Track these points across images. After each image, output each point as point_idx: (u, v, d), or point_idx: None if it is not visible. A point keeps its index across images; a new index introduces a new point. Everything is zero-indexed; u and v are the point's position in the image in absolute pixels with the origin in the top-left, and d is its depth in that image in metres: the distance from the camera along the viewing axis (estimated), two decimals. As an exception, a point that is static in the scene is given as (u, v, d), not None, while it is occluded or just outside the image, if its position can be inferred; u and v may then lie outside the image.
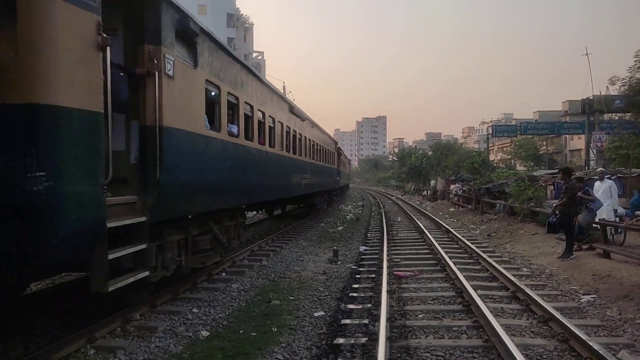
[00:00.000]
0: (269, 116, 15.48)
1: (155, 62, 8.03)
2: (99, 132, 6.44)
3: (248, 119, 13.11)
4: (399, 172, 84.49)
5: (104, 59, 6.61)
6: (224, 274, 12.91)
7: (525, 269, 13.64)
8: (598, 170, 18.48)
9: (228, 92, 11.43)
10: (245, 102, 12.71)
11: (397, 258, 15.24)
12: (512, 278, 11.55)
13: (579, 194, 15.60)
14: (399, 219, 28.74)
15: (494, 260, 14.15)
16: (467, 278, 11.84)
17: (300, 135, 21.25)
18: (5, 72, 5.62)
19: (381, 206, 38.91)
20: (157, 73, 8.02)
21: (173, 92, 8.56)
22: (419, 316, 9.37)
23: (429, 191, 53.69)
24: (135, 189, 8.06)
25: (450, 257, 14.53)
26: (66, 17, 6.01)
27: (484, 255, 14.67)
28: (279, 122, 16.90)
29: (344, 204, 43.66)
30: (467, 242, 17.40)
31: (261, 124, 14.72)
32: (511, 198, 26.21)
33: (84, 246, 6.48)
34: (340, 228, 24.45)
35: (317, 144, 26.33)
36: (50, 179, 5.75)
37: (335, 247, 16.91)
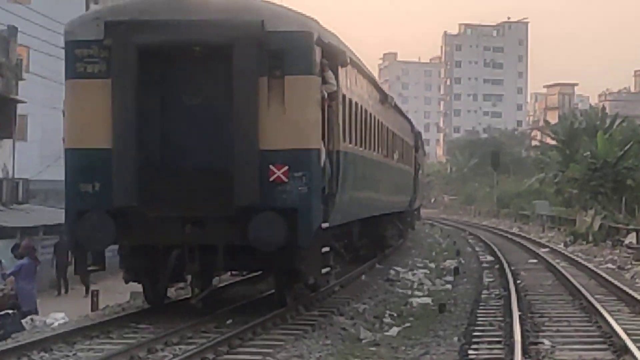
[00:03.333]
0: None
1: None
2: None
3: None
4: (560, 179, 44.45)
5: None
6: None
7: None
8: None
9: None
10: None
11: None
12: None
13: None
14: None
15: None
16: None
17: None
18: None
19: (514, 286, 17.47)
20: None
21: None
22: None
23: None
24: None
25: None
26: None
27: None
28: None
29: (403, 255, 26.05)
30: None
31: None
32: None
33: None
34: (392, 331, 11.94)
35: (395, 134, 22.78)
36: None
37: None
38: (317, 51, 10.99)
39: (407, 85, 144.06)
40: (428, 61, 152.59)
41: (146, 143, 10.66)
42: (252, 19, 10.77)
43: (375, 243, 21.87)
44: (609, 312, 12.71)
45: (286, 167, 10.50)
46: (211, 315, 11.20)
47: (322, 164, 11.14)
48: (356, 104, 14.39)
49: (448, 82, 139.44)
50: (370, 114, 16.62)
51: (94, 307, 16.27)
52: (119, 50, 10.45)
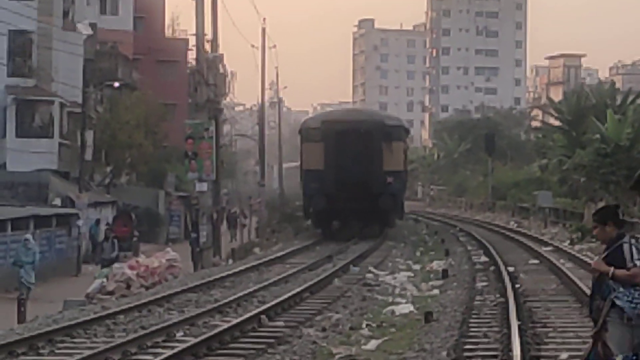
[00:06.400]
0: None
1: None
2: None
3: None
4: (565, 166, 43.93)
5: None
6: None
7: None
8: None
9: None
10: None
11: None
12: None
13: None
14: None
15: None
16: None
17: None
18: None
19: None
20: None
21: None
22: None
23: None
24: None
25: None
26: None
27: None
28: None
29: (382, 256, 26.63)
30: None
31: None
32: None
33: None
34: (371, 345, 11.69)
35: None
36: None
37: None
38: (404, 131, 36.03)
39: (386, 56, 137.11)
40: (411, 29, 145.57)
41: (336, 169, 31.20)
42: (379, 119, 35.19)
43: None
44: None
45: (393, 177, 31.95)
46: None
47: (403, 176, 34.41)
48: (408, 147, 41.40)
49: (434, 54, 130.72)
50: (407, 148, 39.91)
51: (21, 318, 15.88)
52: (327, 131, 32.13)
